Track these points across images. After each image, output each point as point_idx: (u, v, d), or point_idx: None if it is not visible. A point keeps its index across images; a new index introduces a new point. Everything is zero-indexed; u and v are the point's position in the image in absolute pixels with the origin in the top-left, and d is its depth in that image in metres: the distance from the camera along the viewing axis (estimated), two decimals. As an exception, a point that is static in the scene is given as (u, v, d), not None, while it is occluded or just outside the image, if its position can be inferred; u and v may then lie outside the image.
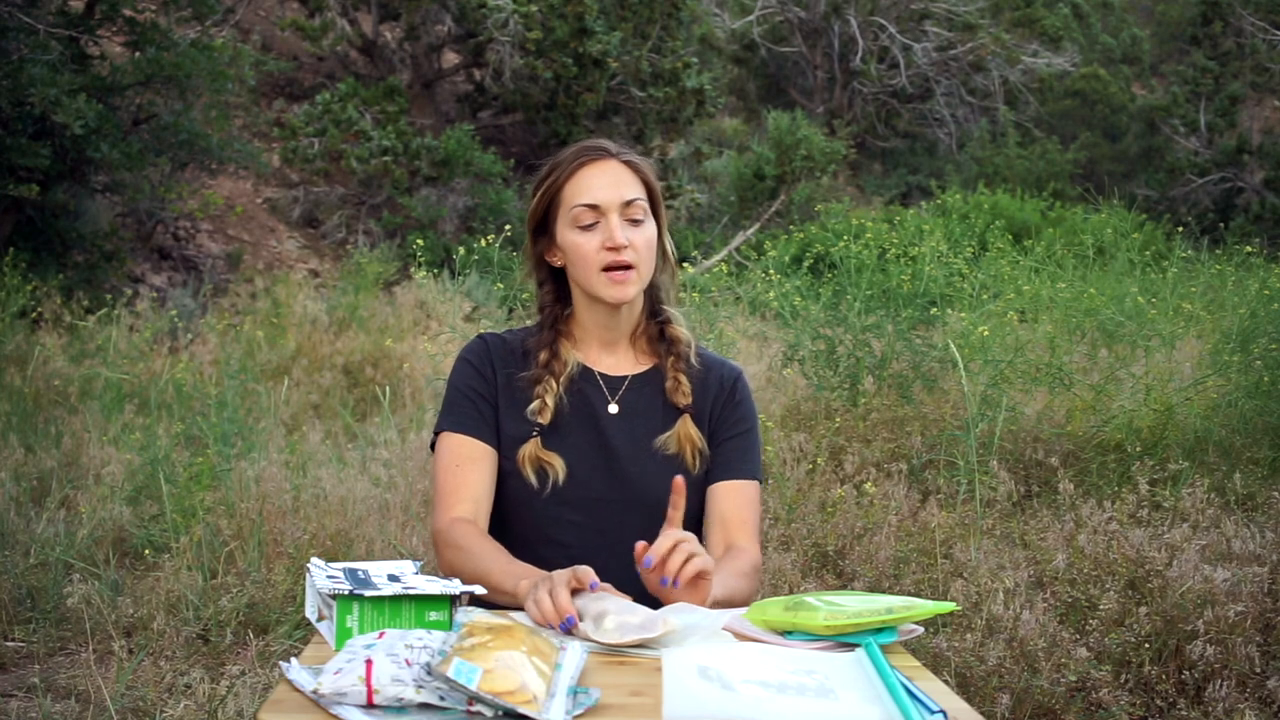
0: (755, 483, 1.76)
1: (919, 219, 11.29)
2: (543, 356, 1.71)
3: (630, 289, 1.65)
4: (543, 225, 1.71)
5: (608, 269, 1.63)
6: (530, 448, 1.67)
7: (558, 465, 1.66)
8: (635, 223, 1.65)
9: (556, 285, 1.75)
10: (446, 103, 13.72)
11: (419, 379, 6.44)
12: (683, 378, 1.72)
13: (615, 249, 1.62)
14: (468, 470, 1.66)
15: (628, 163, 1.67)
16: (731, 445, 1.74)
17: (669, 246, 1.74)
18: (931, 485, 4.06)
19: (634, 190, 1.65)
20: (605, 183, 1.64)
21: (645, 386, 1.74)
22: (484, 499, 1.67)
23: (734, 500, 1.73)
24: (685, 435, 1.70)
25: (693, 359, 1.75)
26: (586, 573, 1.36)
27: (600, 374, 1.74)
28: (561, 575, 1.36)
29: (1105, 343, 6.02)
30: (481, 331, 1.81)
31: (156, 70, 8.33)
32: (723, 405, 1.76)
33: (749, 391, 1.81)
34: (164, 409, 5.49)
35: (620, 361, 1.76)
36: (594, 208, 1.64)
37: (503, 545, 1.65)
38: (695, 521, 1.77)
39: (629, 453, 1.69)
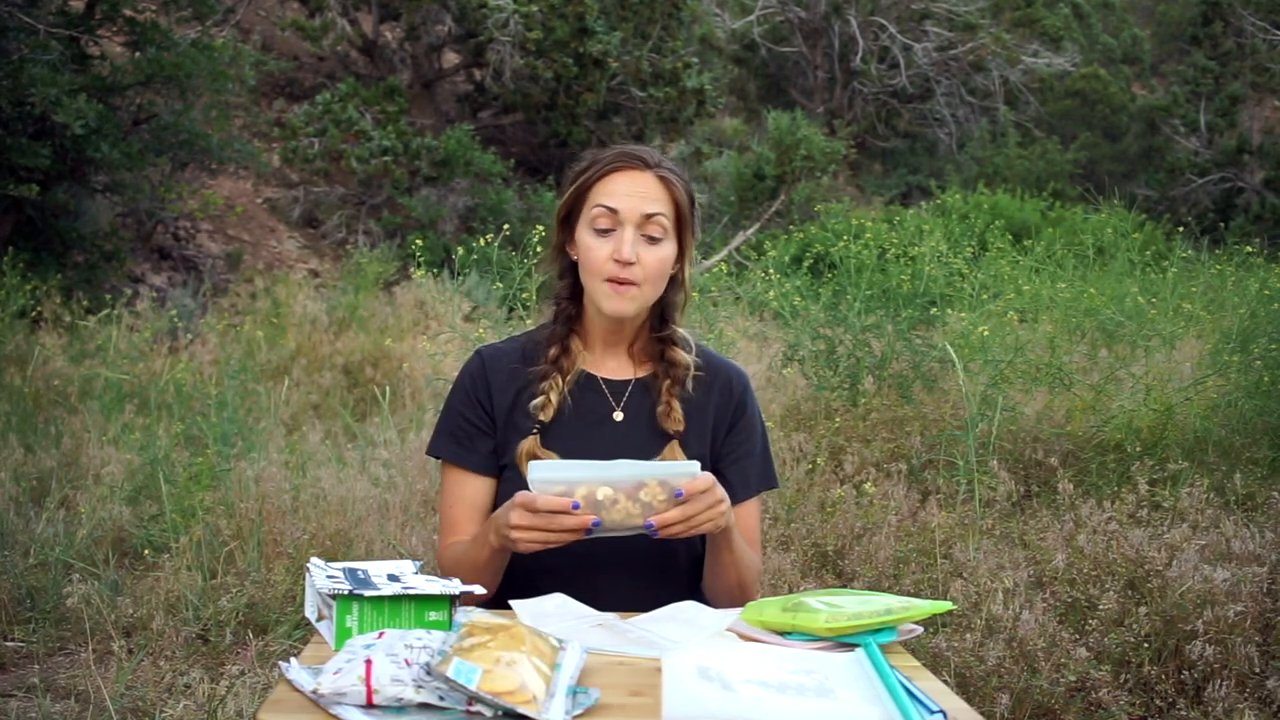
0: (765, 493, 1.77)
1: (919, 219, 11.28)
2: (552, 352, 1.70)
3: (628, 305, 1.63)
4: (569, 217, 1.69)
5: (610, 280, 1.61)
6: (529, 444, 1.66)
7: None
8: (652, 240, 1.62)
9: (574, 279, 1.73)
10: (446, 103, 13.71)
11: (419, 379, 6.44)
12: (675, 404, 1.69)
13: (621, 262, 1.60)
14: (462, 511, 1.69)
15: (663, 178, 1.64)
16: (746, 464, 1.73)
17: (688, 270, 1.71)
18: (931, 485, 4.06)
19: (658, 206, 1.62)
20: (631, 191, 1.62)
21: (648, 392, 1.72)
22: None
23: (749, 519, 1.74)
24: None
25: (688, 385, 1.71)
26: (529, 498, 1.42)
27: (603, 379, 1.72)
28: (516, 500, 1.44)
29: (1105, 343, 6.03)
30: (480, 346, 1.78)
31: (156, 70, 8.33)
32: (730, 415, 1.73)
33: (754, 396, 1.79)
34: (164, 409, 5.49)
35: (623, 365, 1.74)
36: (613, 213, 1.61)
37: (511, 557, 1.65)
38: (689, 540, 1.76)
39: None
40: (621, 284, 1.61)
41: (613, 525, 1.41)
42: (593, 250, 1.62)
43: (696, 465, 1.43)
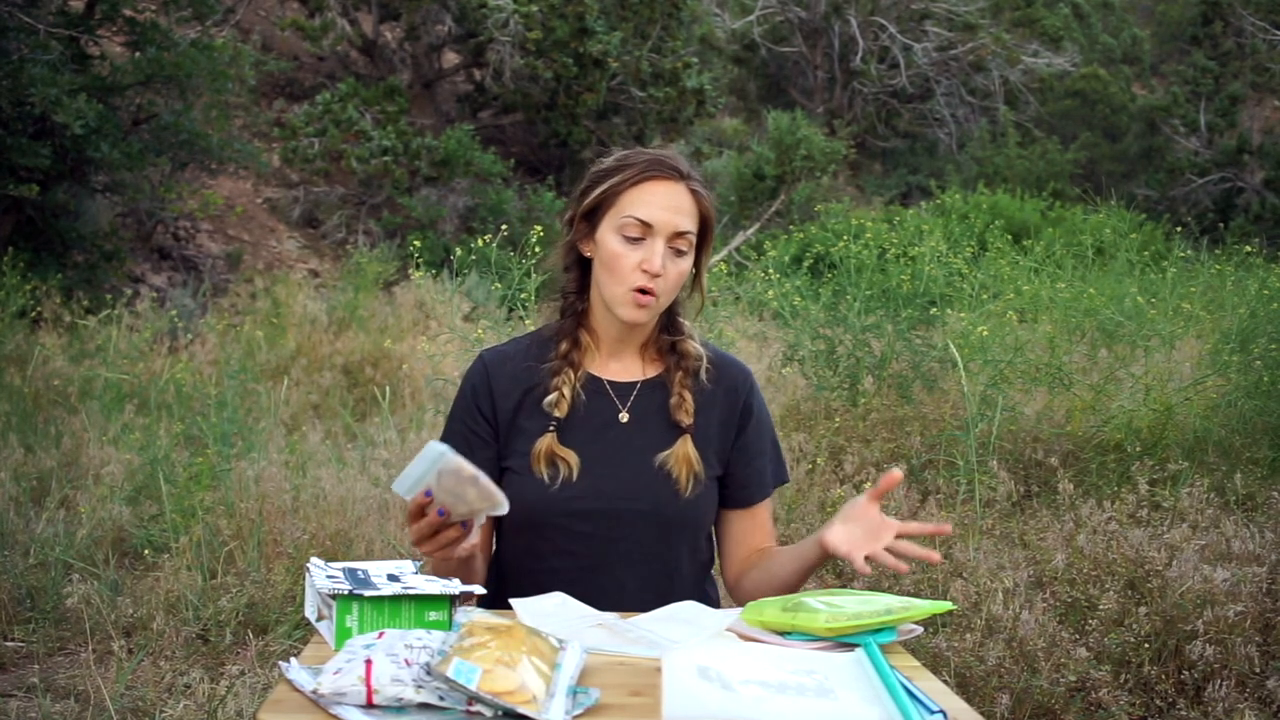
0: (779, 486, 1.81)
1: (919, 219, 11.29)
2: (563, 347, 1.69)
3: (644, 315, 1.63)
4: (590, 215, 1.67)
5: (636, 289, 1.61)
6: (547, 441, 1.64)
7: (572, 461, 1.63)
8: (678, 254, 1.63)
9: (581, 274, 1.72)
10: (446, 103, 13.72)
11: (418, 379, 6.44)
12: (687, 395, 1.69)
13: (650, 273, 1.60)
14: None
15: (694, 190, 1.64)
16: (760, 462, 1.74)
17: (704, 276, 1.72)
18: (931, 485, 4.06)
19: (689, 223, 1.63)
20: (666, 205, 1.61)
21: (654, 393, 1.71)
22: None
23: (766, 516, 1.77)
24: (683, 455, 1.67)
25: (703, 375, 1.71)
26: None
27: (609, 381, 1.71)
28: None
29: (1105, 343, 6.02)
30: (483, 349, 1.77)
31: (156, 70, 8.33)
32: (738, 417, 1.73)
33: (759, 392, 1.79)
34: (164, 409, 5.49)
35: (628, 367, 1.73)
36: (646, 225, 1.60)
37: (514, 559, 1.67)
38: (694, 531, 1.75)
39: (638, 463, 1.66)
40: (644, 294, 1.61)
41: None
42: (621, 257, 1.61)
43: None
